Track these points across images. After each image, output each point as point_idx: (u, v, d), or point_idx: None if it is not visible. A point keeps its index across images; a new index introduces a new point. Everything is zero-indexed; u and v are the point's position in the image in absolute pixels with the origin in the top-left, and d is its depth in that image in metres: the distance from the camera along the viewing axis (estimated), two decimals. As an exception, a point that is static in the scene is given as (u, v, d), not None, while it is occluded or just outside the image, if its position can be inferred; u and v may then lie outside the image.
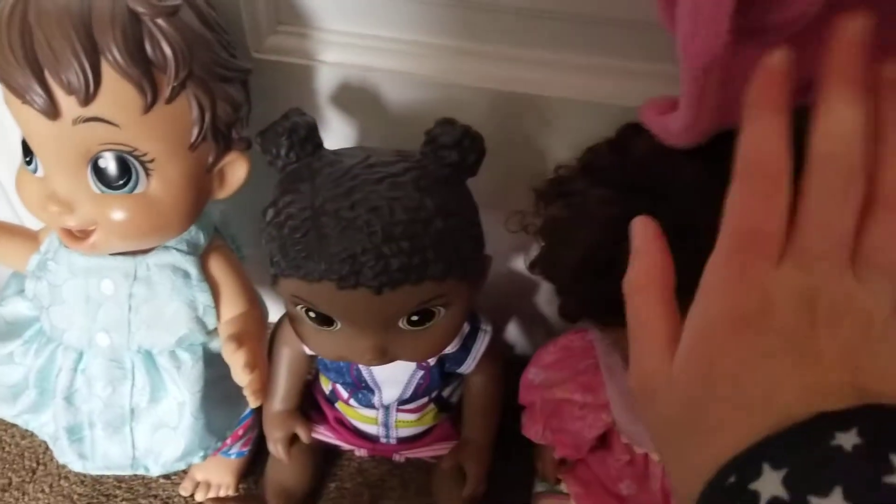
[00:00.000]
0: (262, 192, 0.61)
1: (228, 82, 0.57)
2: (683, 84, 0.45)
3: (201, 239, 0.64)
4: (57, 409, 0.67)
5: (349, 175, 0.56)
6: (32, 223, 0.71)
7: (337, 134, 0.70)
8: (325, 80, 0.67)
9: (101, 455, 0.69)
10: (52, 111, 0.52)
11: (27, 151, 0.57)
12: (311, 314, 0.61)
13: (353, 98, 0.67)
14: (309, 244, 0.56)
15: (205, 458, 0.71)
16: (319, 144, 0.61)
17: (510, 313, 0.87)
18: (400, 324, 0.61)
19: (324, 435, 0.80)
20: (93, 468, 0.70)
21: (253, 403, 0.62)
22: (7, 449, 0.86)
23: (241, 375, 0.60)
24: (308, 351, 0.73)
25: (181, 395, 0.66)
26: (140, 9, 0.51)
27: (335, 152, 0.60)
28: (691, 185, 0.50)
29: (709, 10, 0.40)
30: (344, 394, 0.76)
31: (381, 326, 0.61)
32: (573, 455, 0.72)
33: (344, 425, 0.79)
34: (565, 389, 0.69)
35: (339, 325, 0.61)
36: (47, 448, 0.86)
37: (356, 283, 0.55)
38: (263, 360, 0.63)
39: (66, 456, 0.69)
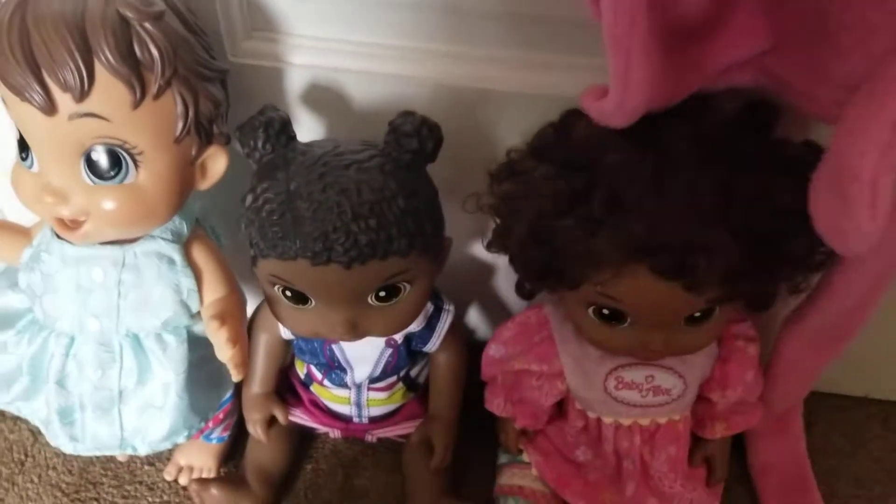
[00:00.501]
0: (237, 190, 0.66)
1: (209, 81, 0.63)
2: (611, 68, 0.52)
3: (184, 228, 0.69)
4: (49, 393, 0.72)
5: (320, 162, 0.62)
6: (14, 216, 0.76)
7: (308, 129, 0.76)
8: (297, 81, 0.73)
9: (90, 436, 0.74)
10: (50, 107, 0.57)
11: (23, 148, 0.62)
12: (288, 293, 0.66)
13: (322, 96, 0.73)
14: (284, 225, 0.61)
15: (189, 437, 0.76)
16: (292, 137, 0.67)
17: (471, 298, 0.93)
18: (369, 300, 0.67)
19: (300, 418, 0.85)
20: (83, 449, 0.74)
21: (236, 377, 0.67)
22: (-4, 443, 0.90)
23: (224, 349, 0.65)
24: (284, 335, 0.79)
25: (167, 375, 0.71)
26: (129, 14, 0.57)
27: (307, 144, 0.66)
28: (622, 159, 0.57)
29: (627, 1, 0.47)
30: (318, 375, 0.81)
31: (351, 302, 0.66)
32: (532, 425, 0.78)
33: (318, 407, 0.85)
34: (523, 361, 0.74)
35: (313, 303, 0.67)
36: (35, 440, 0.90)
37: (328, 259, 0.61)
38: (244, 337, 0.68)
39: (58, 439, 0.74)
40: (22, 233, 0.72)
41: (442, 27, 0.68)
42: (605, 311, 0.64)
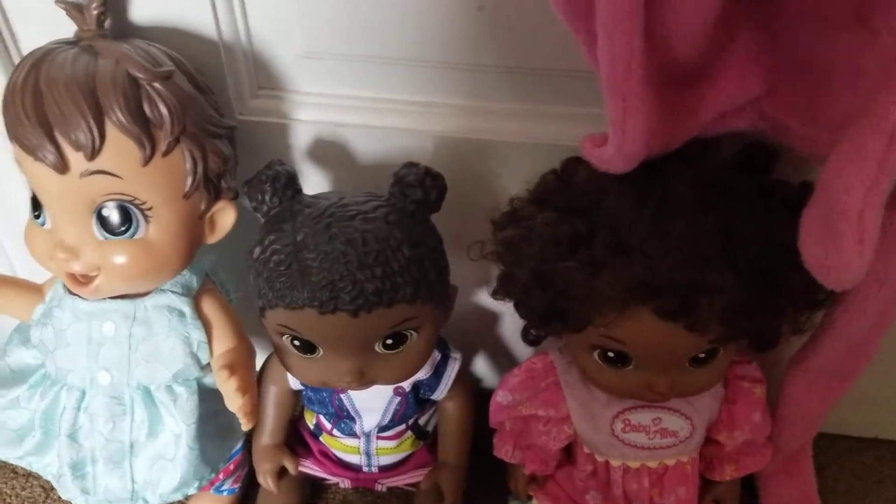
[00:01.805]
0: (244, 245, 0.68)
1: (217, 138, 0.65)
2: (609, 115, 0.53)
3: (194, 282, 0.70)
4: (61, 447, 0.72)
5: (326, 214, 0.64)
6: (25, 273, 0.77)
7: (314, 182, 0.77)
8: (302, 136, 0.75)
9: (102, 489, 0.74)
10: (62, 166, 0.59)
11: (36, 206, 0.64)
12: (296, 343, 0.67)
13: (327, 150, 0.75)
14: (292, 275, 0.62)
15: (199, 488, 0.76)
16: (299, 190, 0.68)
17: (477, 347, 0.94)
18: (376, 347, 0.67)
19: (310, 468, 0.85)
20: (95, 502, 0.75)
21: (245, 426, 0.68)
22: (8, 501, 0.90)
23: (233, 399, 0.66)
24: (293, 386, 0.79)
25: (177, 427, 0.72)
26: (139, 74, 0.59)
27: (313, 196, 0.68)
28: (623, 202, 0.59)
29: (621, 49, 0.48)
30: (327, 425, 0.81)
31: (359, 350, 0.67)
32: (542, 470, 0.78)
33: (328, 458, 0.85)
34: (530, 406, 0.75)
35: (321, 352, 0.68)
36: (47, 496, 0.90)
37: (335, 308, 0.62)
38: (253, 387, 0.69)
39: (69, 492, 0.74)
40: (34, 290, 0.73)
41: (442, 81, 0.70)
42: (610, 354, 0.65)
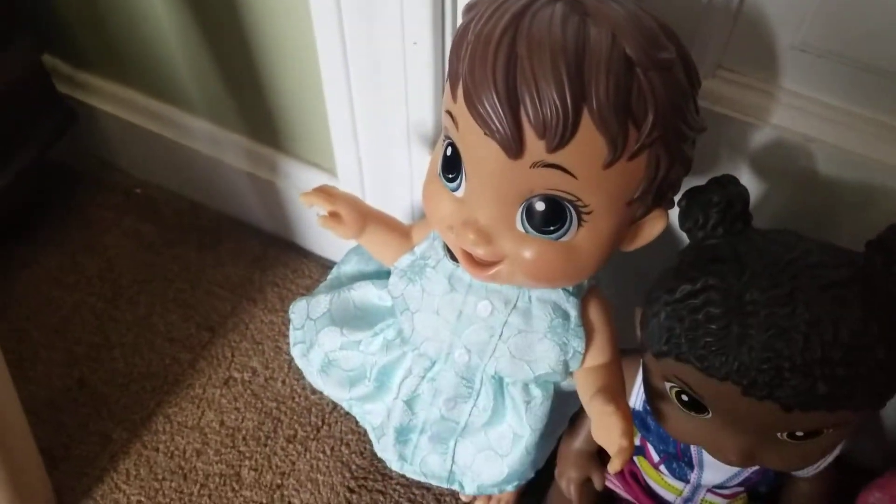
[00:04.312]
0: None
1: (687, 142, 0.52)
2: None
3: (585, 282, 0.61)
4: (394, 410, 0.67)
5: (787, 273, 0.51)
6: (374, 200, 0.70)
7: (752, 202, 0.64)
8: (756, 140, 0.61)
9: (420, 461, 0.69)
10: (515, 151, 0.48)
11: (450, 166, 0.54)
12: (683, 397, 0.57)
13: (780, 165, 0.61)
14: (726, 340, 0.51)
15: (517, 487, 0.69)
16: (749, 222, 0.56)
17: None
18: (779, 434, 0.56)
19: (615, 485, 0.77)
20: (410, 471, 0.70)
21: (614, 468, 0.58)
22: (297, 400, 0.88)
23: (616, 440, 0.56)
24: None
25: (521, 428, 0.64)
26: (637, 56, 0.47)
27: (765, 236, 0.55)
28: None
29: None
30: (655, 456, 0.71)
31: (758, 431, 0.56)
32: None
33: (637, 481, 0.76)
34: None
35: (709, 415, 0.57)
36: (334, 409, 0.87)
37: (766, 396, 0.51)
38: (630, 418, 0.58)
39: (386, 452, 0.70)
40: (402, 233, 0.66)
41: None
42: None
